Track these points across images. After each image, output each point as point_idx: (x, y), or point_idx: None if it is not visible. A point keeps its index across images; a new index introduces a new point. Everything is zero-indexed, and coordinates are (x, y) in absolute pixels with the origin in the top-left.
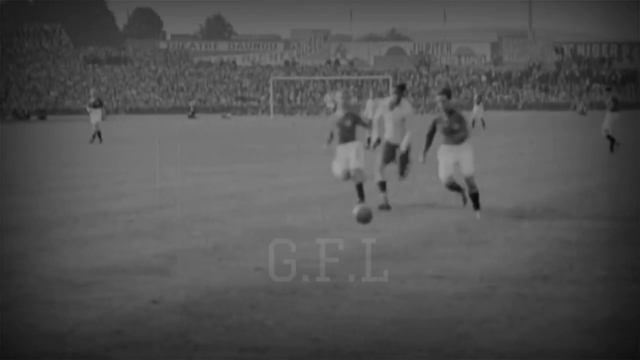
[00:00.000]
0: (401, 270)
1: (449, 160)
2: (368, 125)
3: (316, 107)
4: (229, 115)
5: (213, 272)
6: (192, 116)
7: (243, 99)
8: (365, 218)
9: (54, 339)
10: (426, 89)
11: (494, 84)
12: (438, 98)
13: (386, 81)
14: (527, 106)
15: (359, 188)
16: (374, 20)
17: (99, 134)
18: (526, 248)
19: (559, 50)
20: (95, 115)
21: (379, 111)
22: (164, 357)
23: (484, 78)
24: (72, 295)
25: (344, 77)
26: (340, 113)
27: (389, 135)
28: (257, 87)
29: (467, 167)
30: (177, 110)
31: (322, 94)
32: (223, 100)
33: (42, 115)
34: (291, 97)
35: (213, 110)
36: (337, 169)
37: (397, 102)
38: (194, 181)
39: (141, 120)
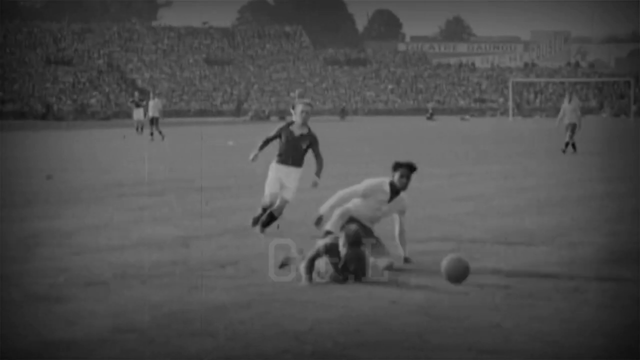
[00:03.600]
0: None
1: None
2: (322, 160)
3: (555, 109)
4: (467, 117)
5: None
6: (430, 118)
7: (482, 100)
8: (457, 277)
9: (293, 337)
10: None
11: None
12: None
13: (627, 83)
14: None
15: (271, 218)
16: (615, 21)
17: None
18: None
19: None
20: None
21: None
22: (402, 356)
23: None
24: (312, 294)
25: (584, 79)
26: (297, 130)
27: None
28: (495, 89)
29: None
30: (416, 111)
31: (562, 96)
32: (461, 102)
33: (282, 116)
34: (530, 99)
35: (451, 112)
36: (269, 190)
37: (397, 193)
38: (431, 183)
39: (380, 122)
